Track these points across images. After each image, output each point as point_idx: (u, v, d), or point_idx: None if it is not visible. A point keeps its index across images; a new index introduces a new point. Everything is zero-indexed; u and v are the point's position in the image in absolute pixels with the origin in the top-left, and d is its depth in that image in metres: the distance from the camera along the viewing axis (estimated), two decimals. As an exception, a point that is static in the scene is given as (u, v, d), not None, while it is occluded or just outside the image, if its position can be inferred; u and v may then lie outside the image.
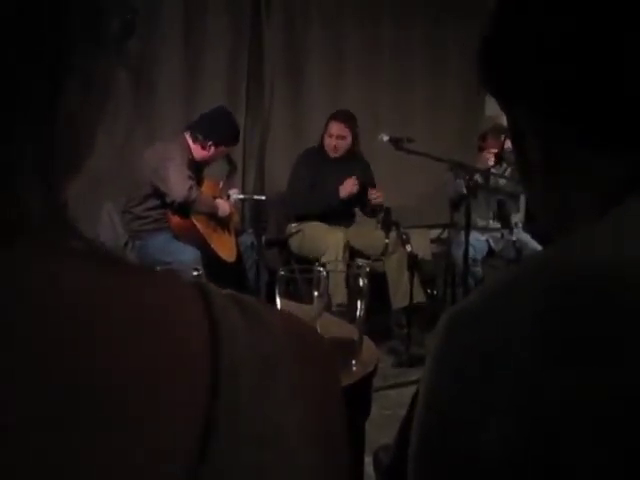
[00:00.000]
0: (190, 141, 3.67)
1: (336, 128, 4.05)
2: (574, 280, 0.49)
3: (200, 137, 3.63)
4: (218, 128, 3.67)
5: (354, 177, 4.02)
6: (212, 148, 3.67)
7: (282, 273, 1.28)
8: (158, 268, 1.27)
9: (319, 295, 1.28)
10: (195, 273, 1.27)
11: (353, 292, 1.36)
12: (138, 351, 0.33)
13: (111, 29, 0.41)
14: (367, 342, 1.42)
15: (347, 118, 4.07)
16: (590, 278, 0.48)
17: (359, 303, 1.35)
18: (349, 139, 4.09)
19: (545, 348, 0.47)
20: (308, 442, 0.36)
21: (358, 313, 1.35)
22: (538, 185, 0.64)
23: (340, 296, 1.41)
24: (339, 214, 4.09)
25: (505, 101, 0.63)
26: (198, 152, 3.68)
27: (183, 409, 0.33)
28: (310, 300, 1.29)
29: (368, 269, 1.37)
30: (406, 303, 3.74)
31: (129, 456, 0.31)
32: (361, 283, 1.34)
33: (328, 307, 1.35)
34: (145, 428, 0.31)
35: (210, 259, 3.53)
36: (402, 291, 3.84)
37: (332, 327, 1.33)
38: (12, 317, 0.31)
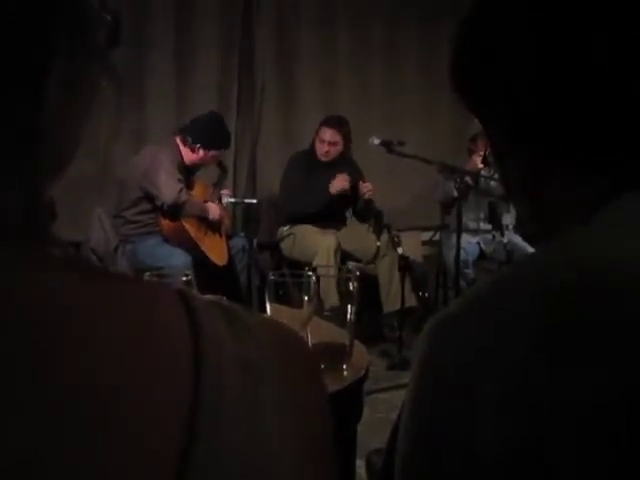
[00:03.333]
0: (180, 144, 3.67)
1: (328, 134, 4.05)
2: (568, 280, 0.49)
3: (189, 140, 3.64)
4: (207, 132, 3.67)
5: (345, 173, 4.02)
6: (201, 151, 3.66)
7: (272, 278, 1.27)
8: (147, 274, 1.26)
9: (309, 300, 1.27)
10: (184, 278, 1.27)
11: (344, 296, 1.36)
12: (120, 361, 0.33)
13: (95, 38, 0.41)
14: (358, 346, 1.42)
15: (339, 124, 4.06)
16: (585, 277, 0.48)
17: (349, 307, 1.35)
18: (341, 145, 4.09)
19: (541, 347, 0.47)
20: (292, 449, 0.36)
21: (349, 317, 1.35)
22: (522, 199, 0.64)
23: (332, 299, 1.41)
24: (330, 217, 4.09)
25: (481, 122, 0.64)
26: (188, 155, 3.68)
27: (166, 416, 0.32)
28: (300, 304, 1.28)
29: (358, 273, 1.37)
30: (398, 306, 3.74)
31: (112, 457, 0.31)
32: (351, 287, 1.34)
33: (319, 311, 1.35)
34: (129, 429, 0.31)
35: (201, 263, 3.52)
36: (393, 294, 3.85)
37: (322, 331, 1.33)
38: None
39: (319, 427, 0.39)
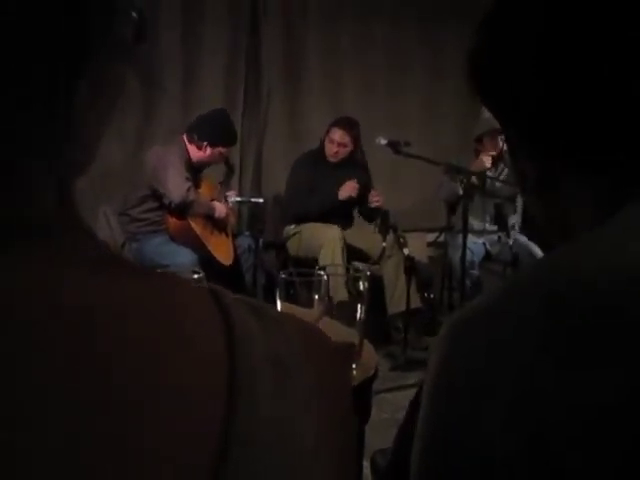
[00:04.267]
0: (187, 142, 3.67)
1: (338, 135, 4.05)
2: (573, 283, 0.49)
3: (195, 137, 3.64)
4: (213, 129, 3.67)
5: (355, 180, 4.02)
6: (207, 149, 3.67)
7: (283, 276, 1.27)
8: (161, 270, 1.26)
9: (320, 299, 1.27)
10: (195, 276, 1.26)
11: (353, 295, 1.36)
12: (156, 357, 0.33)
13: (122, 32, 0.41)
14: (367, 346, 1.42)
15: (350, 125, 4.06)
16: (596, 282, 0.48)
17: (359, 306, 1.35)
18: (350, 146, 4.08)
19: (547, 350, 0.47)
20: (323, 443, 0.35)
21: (358, 316, 1.35)
22: (537, 201, 0.64)
23: (340, 295, 1.41)
24: (337, 216, 4.09)
25: (499, 122, 0.65)
26: (195, 153, 3.68)
27: (203, 417, 0.32)
28: (308, 304, 1.28)
29: (369, 273, 1.36)
30: (403, 307, 3.74)
31: (147, 458, 0.31)
32: (362, 287, 1.34)
33: (329, 310, 1.35)
34: (166, 430, 0.31)
35: (207, 262, 3.52)
36: (398, 295, 3.84)
37: (332, 330, 1.32)
38: (26, 316, 0.31)
39: (345, 425, 0.39)
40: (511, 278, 0.58)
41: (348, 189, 4.01)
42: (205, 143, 3.65)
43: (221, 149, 3.74)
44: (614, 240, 0.52)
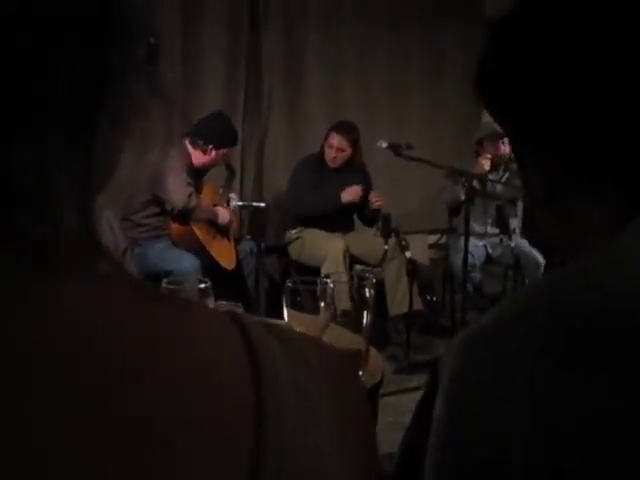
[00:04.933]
0: (190, 147, 3.66)
1: (336, 140, 4.04)
2: (582, 291, 0.50)
3: (200, 142, 3.63)
4: (217, 131, 3.67)
5: (360, 185, 4.03)
6: (213, 152, 3.66)
7: (289, 285, 1.28)
8: (164, 281, 1.25)
9: (326, 306, 1.28)
10: (202, 285, 1.27)
11: (359, 302, 1.37)
12: (183, 387, 0.33)
13: (140, 56, 0.42)
14: (373, 352, 1.43)
15: (348, 130, 4.05)
16: (609, 299, 0.49)
17: (365, 313, 1.36)
18: (348, 151, 4.07)
19: (552, 352, 0.48)
20: (348, 473, 0.36)
21: (365, 323, 1.36)
22: (547, 215, 0.65)
23: (344, 303, 1.42)
24: (338, 221, 4.09)
25: (504, 130, 0.65)
26: (199, 158, 3.67)
27: (232, 446, 0.32)
28: (315, 311, 1.29)
29: (375, 280, 1.37)
30: (404, 310, 3.74)
31: None
32: (367, 294, 1.35)
33: (334, 317, 1.36)
34: (193, 460, 0.31)
35: (209, 266, 3.52)
36: (400, 297, 3.84)
37: (338, 337, 1.33)
38: (60, 348, 0.31)
39: (367, 449, 0.40)
40: (521, 292, 0.58)
41: (352, 193, 4.01)
42: (210, 147, 3.64)
43: (225, 150, 3.74)
44: (624, 256, 0.52)
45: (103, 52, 0.37)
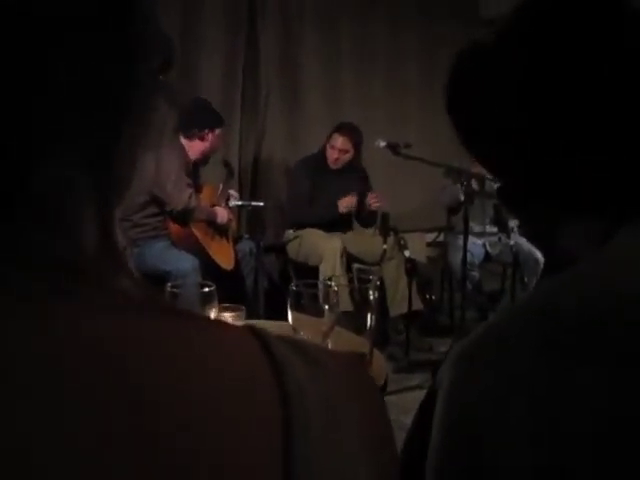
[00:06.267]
0: (186, 142, 3.64)
1: (340, 142, 4.06)
2: (567, 304, 0.51)
3: (196, 131, 3.62)
4: (207, 114, 3.68)
5: (353, 194, 4.04)
6: (210, 135, 3.66)
7: (293, 288, 1.28)
8: (168, 285, 1.24)
9: (330, 309, 1.28)
10: (206, 289, 1.27)
11: (362, 304, 1.36)
12: (211, 412, 0.32)
13: (154, 69, 0.42)
14: (376, 354, 1.43)
15: (352, 132, 4.07)
16: (608, 299, 0.50)
17: (369, 315, 1.35)
18: (351, 152, 4.10)
19: (545, 353, 0.49)
20: (372, 475, 0.36)
21: (368, 325, 1.35)
22: (536, 241, 0.67)
23: (344, 304, 1.41)
24: (336, 222, 4.11)
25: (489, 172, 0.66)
26: (197, 148, 3.66)
27: (261, 466, 0.32)
28: (315, 313, 1.29)
29: (379, 282, 1.37)
30: (404, 309, 3.75)
31: None
32: (371, 296, 1.35)
33: (338, 320, 1.35)
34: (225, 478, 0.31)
35: (208, 267, 3.53)
36: (399, 297, 3.85)
37: (342, 339, 1.33)
38: (74, 365, 0.31)
39: (391, 462, 0.40)
40: (514, 304, 0.60)
41: (347, 203, 4.04)
42: (206, 130, 3.64)
43: (219, 131, 3.73)
44: (611, 269, 0.53)
45: (125, 68, 0.36)
